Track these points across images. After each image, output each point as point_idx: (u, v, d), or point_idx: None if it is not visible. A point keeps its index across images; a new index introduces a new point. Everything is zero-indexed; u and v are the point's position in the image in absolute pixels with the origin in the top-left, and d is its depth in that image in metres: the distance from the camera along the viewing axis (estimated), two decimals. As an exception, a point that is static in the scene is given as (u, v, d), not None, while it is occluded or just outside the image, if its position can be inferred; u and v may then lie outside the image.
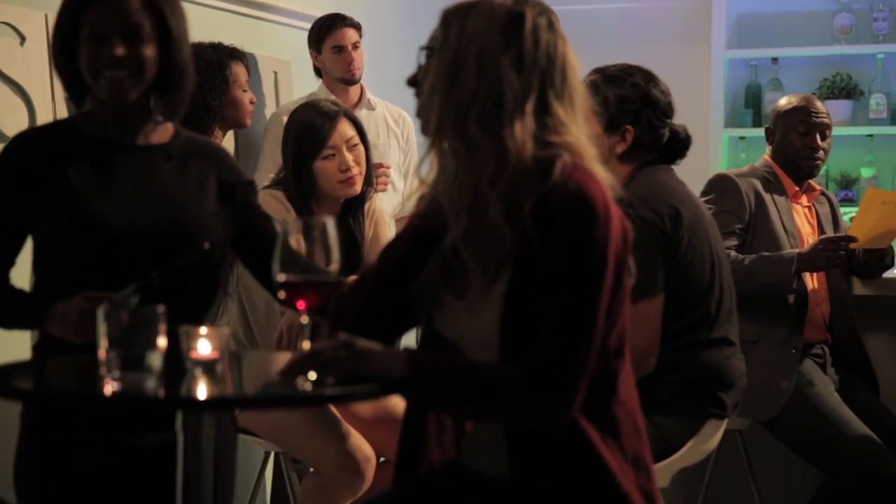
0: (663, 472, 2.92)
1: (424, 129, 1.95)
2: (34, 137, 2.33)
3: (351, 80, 4.41)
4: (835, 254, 3.52)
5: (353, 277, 2.08)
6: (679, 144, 3.07)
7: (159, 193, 2.30)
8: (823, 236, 3.63)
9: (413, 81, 1.97)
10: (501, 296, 1.89)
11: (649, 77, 3.05)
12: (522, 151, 1.87)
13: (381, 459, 3.14)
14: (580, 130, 1.93)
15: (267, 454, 3.56)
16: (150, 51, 2.23)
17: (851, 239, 3.56)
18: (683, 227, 2.93)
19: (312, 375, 1.81)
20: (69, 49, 2.25)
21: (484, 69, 1.87)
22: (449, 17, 1.92)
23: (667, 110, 3.03)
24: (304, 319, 1.87)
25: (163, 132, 2.36)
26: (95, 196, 2.24)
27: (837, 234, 3.68)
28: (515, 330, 1.86)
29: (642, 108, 2.99)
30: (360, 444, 3.07)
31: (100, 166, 2.27)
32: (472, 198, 1.91)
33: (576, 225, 1.83)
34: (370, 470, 3.07)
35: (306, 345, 1.85)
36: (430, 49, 1.93)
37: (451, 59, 1.88)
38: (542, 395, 1.81)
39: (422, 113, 1.94)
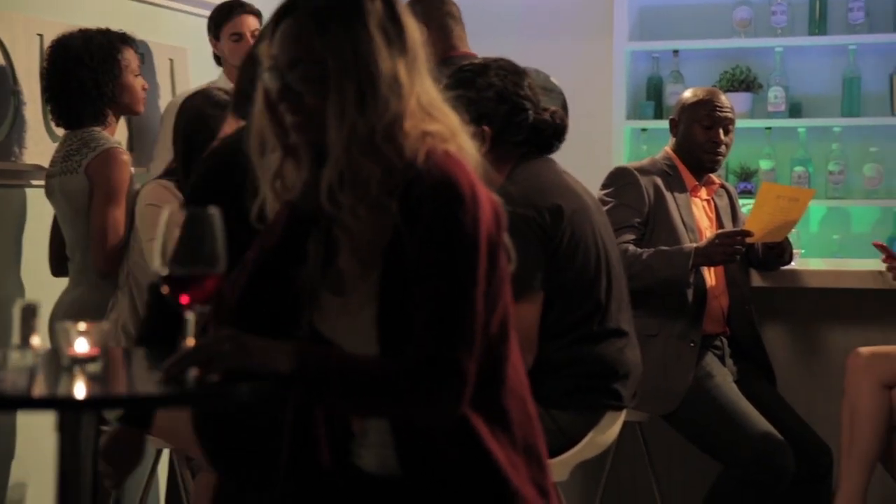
0: (562, 465, 2.90)
1: (318, 138, 1.85)
2: (233, 150, 2.23)
3: (250, 69, 4.34)
4: (731, 248, 3.54)
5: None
6: (549, 131, 3.01)
7: None
8: (720, 231, 3.65)
9: (295, 97, 1.85)
10: (376, 291, 1.84)
11: (506, 70, 2.97)
12: (414, 144, 1.82)
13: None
14: (448, 107, 1.89)
15: (159, 452, 3.48)
16: None
17: (747, 233, 3.58)
18: (565, 221, 2.90)
19: (196, 371, 1.75)
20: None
21: (391, 81, 1.81)
22: (323, 25, 1.82)
23: (524, 101, 2.95)
24: (188, 315, 1.80)
25: None
26: None
27: (733, 229, 3.70)
28: (394, 325, 1.82)
29: (496, 105, 2.92)
30: (255, 440, 3.00)
31: None
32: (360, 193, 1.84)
33: (443, 210, 1.78)
34: (265, 467, 3.01)
35: (190, 341, 1.79)
36: (317, 64, 1.82)
37: (356, 76, 1.80)
38: (429, 386, 1.77)
39: (314, 126, 1.83)
